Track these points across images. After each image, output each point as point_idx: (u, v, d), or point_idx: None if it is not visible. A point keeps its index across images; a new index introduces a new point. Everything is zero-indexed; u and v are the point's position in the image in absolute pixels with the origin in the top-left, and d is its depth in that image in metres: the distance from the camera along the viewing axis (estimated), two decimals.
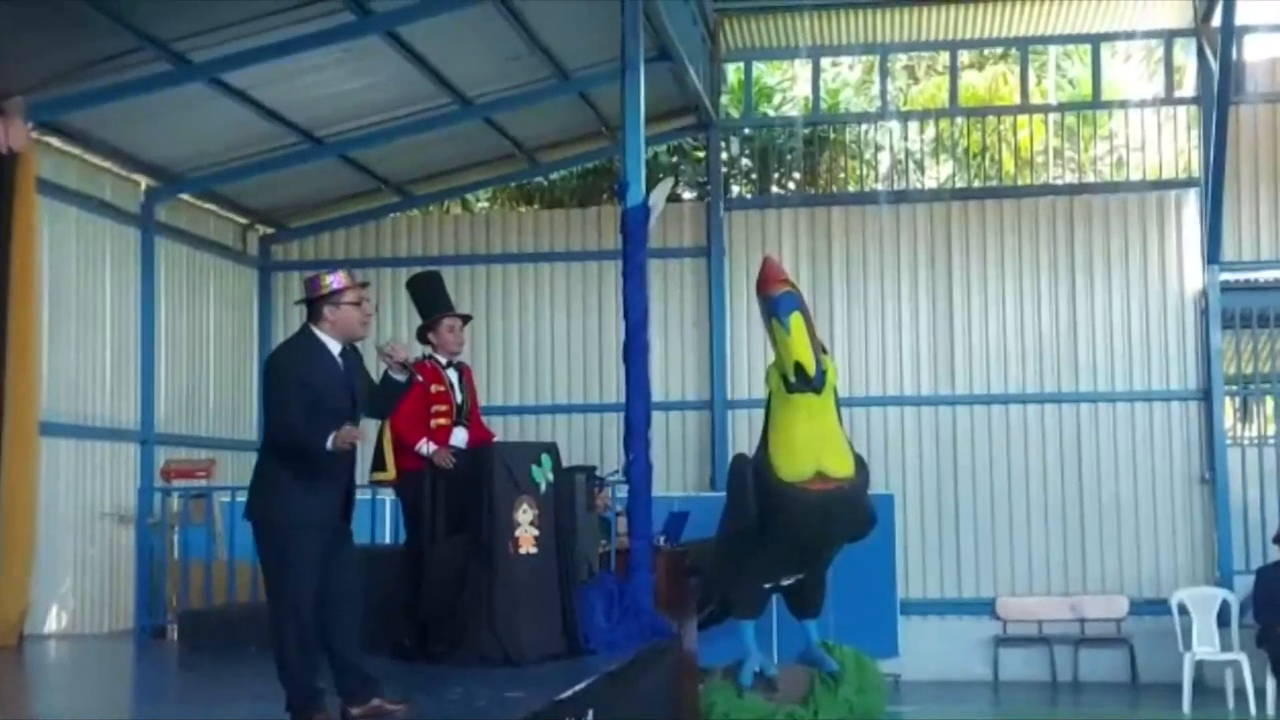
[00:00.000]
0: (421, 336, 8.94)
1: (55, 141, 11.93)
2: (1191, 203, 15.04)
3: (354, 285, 6.21)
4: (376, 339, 7.23)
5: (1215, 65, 14.28)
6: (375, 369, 6.54)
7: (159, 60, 11.21)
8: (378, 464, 8.62)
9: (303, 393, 5.96)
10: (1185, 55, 15.53)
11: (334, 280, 6.16)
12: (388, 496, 10.13)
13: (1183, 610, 13.34)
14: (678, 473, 15.10)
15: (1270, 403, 15.45)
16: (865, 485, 9.45)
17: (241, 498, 11.07)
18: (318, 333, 6.16)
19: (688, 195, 17.30)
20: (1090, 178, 15.81)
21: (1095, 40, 15.78)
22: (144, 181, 13.30)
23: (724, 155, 16.08)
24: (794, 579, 9.72)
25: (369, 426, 7.29)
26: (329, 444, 5.85)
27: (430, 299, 9.00)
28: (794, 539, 9.35)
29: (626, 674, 8.09)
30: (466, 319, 9.18)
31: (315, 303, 6.17)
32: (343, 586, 6.08)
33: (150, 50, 11.01)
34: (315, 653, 6.02)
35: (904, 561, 14.27)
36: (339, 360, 6.16)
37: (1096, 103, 15.96)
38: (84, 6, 9.96)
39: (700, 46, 14.83)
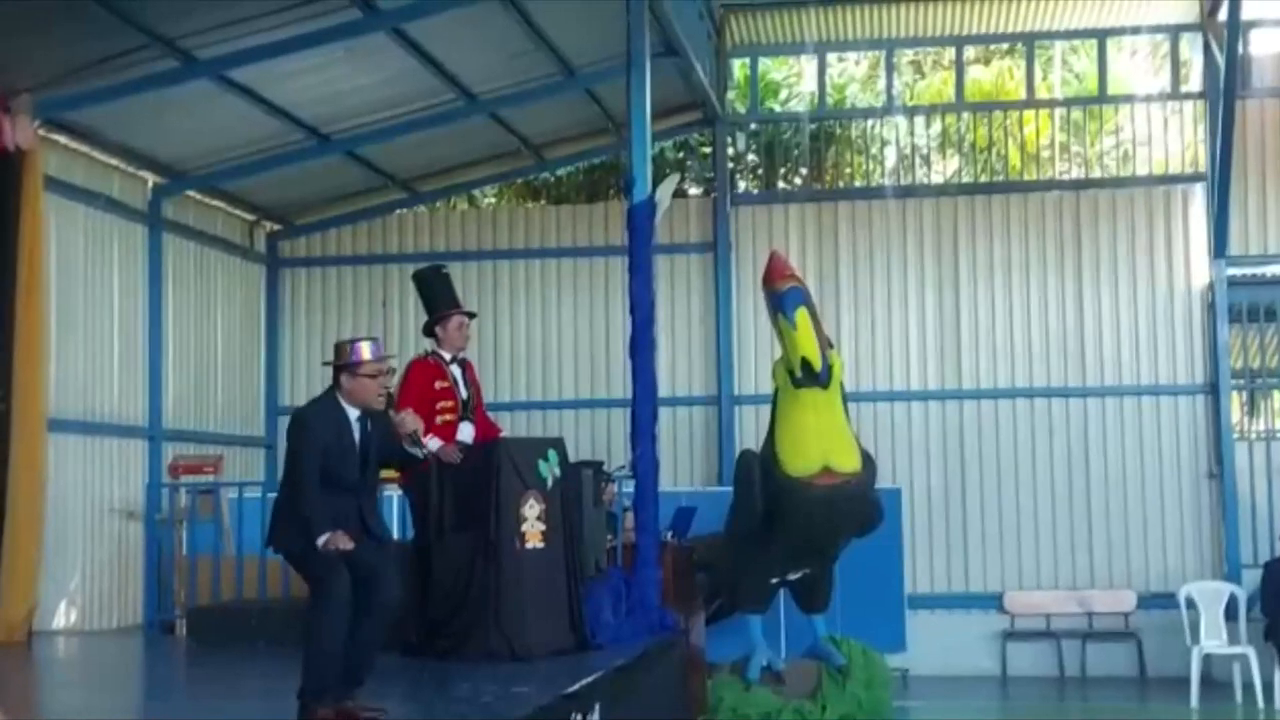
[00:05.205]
0: (428, 331, 8.96)
1: (62, 139, 11.94)
2: (1198, 197, 15.02)
3: (373, 360, 6.31)
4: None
5: (1221, 60, 14.27)
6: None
7: (166, 57, 11.23)
8: None
9: (319, 459, 6.07)
10: (1191, 50, 15.50)
11: (355, 353, 6.28)
12: (394, 493, 10.15)
13: (1190, 604, 13.34)
14: (685, 468, 15.10)
15: (1277, 397, 15.42)
16: (872, 480, 9.48)
17: (249, 493, 11.37)
18: (339, 398, 6.28)
19: (694, 191, 17.32)
20: (1096, 173, 15.78)
21: (1101, 35, 15.72)
22: (151, 178, 13.32)
23: (730, 150, 16.08)
24: (801, 573, 9.73)
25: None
26: (320, 541, 5.95)
27: (438, 295, 9.02)
28: (801, 534, 9.37)
29: (634, 669, 8.11)
30: (472, 316, 9.20)
31: (337, 369, 6.29)
32: (377, 596, 6.12)
33: (157, 48, 11.03)
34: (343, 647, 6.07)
35: (911, 556, 14.23)
36: (356, 426, 6.27)
37: (1103, 98, 15.91)
38: (91, 4, 9.97)
39: (706, 42, 14.82)
